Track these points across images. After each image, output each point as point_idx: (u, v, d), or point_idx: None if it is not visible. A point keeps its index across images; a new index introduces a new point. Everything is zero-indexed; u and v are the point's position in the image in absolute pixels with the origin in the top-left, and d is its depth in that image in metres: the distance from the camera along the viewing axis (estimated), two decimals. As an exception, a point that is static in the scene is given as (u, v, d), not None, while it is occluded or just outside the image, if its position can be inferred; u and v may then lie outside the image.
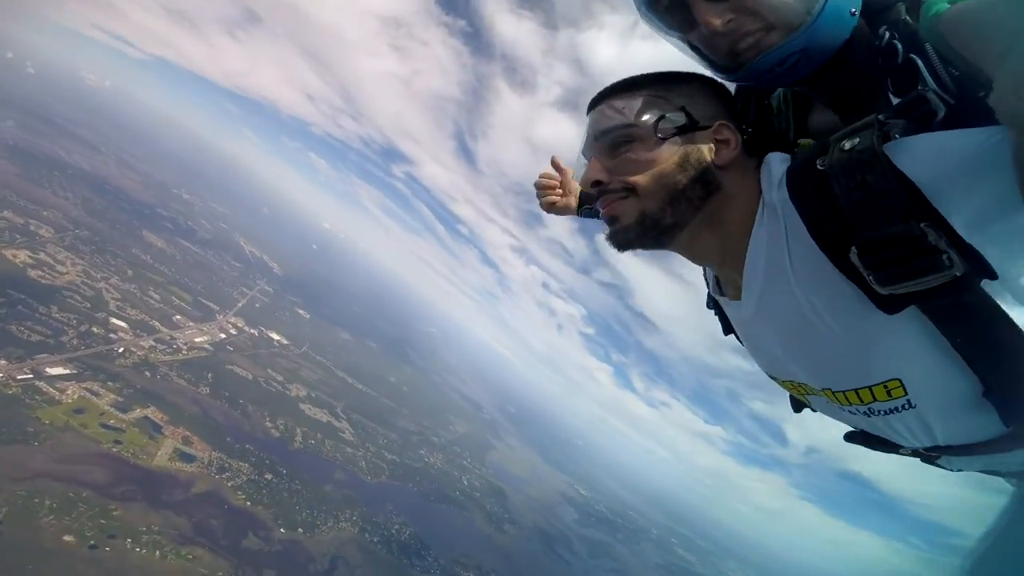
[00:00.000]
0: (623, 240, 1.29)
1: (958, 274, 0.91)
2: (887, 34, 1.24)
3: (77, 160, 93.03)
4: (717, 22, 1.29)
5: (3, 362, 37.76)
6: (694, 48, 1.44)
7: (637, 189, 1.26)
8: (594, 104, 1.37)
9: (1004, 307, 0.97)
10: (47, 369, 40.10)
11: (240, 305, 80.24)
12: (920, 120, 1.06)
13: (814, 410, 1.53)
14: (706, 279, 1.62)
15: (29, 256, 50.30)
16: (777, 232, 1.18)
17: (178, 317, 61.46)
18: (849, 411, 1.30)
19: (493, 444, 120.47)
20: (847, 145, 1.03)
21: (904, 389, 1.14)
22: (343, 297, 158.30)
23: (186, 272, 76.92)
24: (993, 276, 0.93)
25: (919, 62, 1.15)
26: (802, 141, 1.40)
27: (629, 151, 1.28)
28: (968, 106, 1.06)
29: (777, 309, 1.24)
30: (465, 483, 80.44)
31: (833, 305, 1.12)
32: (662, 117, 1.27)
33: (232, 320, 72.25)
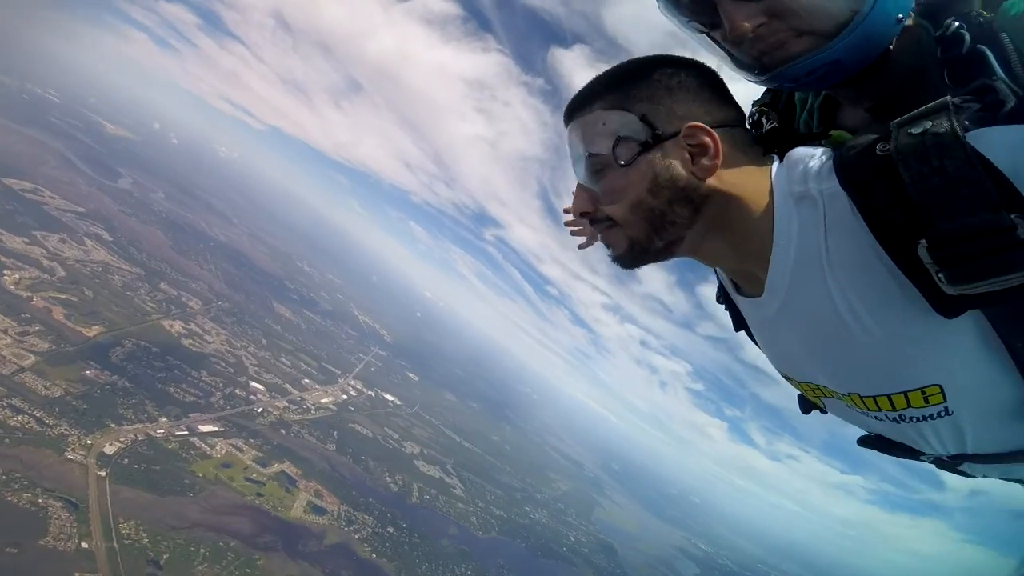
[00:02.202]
0: (622, 264, 1.25)
1: None
2: (955, 23, 1.15)
3: (216, 232, 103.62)
4: (747, 26, 1.19)
5: (164, 419, 42.32)
6: (716, 43, 1.36)
7: (617, 220, 1.19)
8: (565, 120, 1.28)
9: None
10: (199, 427, 44.35)
11: (358, 369, 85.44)
12: (986, 109, 0.98)
13: (824, 412, 1.45)
14: (717, 274, 1.51)
15: (183, 326, 56.84)
16: (813, 226, 1.06)
17: (306, 380, 66.64)
18: (874, 416, 1.20)
19: (598, 501, 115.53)
20: (917, 129, 0.91)
21: (943, 396, 1.04)
22: (446, 361, 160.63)
23: (311, 340, 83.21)
24: None
25: (988, 52, 1.08)
26: (834, 133, 1.29)
27: (602, 179, 1.19)
28: None
29: (805, 308, 1.11)
30: (572, 539, 78.00)
31: (875, 306, 1.01)
32: (619, 140, 1.14)
33: (352, 383, 77.02)
